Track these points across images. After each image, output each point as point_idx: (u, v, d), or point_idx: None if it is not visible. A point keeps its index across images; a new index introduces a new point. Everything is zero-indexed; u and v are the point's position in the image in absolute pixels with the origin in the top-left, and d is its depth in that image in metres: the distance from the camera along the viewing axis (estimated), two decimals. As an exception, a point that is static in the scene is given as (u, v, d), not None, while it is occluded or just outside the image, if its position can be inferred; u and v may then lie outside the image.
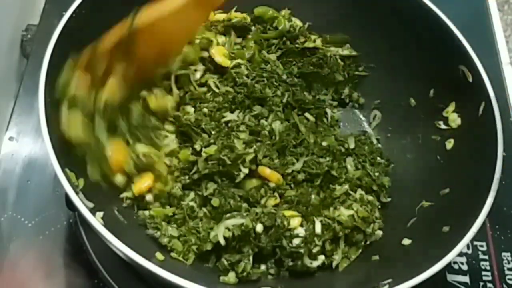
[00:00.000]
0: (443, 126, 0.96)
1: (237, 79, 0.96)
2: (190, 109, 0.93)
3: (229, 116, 0.91)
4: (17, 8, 1.13)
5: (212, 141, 0.88)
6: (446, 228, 0.82)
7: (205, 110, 0.92)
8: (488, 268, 0.97)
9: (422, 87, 0.99)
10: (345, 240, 0.88)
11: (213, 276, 0.83)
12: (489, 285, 0.95)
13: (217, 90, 0.95)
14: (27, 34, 1.13)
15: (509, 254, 0.99)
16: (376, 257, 0.87)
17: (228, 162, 0.86)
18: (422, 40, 0.98)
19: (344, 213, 0.87)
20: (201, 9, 0.83)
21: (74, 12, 0.86)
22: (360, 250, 0.89)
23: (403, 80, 1.03)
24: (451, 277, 0.95)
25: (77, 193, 0.72)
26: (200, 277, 0.81)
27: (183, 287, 0.67)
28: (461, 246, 0.74)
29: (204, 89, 0.96)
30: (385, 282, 0.76)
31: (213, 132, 0.89)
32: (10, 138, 1.00)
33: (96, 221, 0.70)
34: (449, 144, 0.94)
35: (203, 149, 0.87)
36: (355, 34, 1.06)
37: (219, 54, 0.98)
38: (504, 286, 0.95)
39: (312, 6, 1.08)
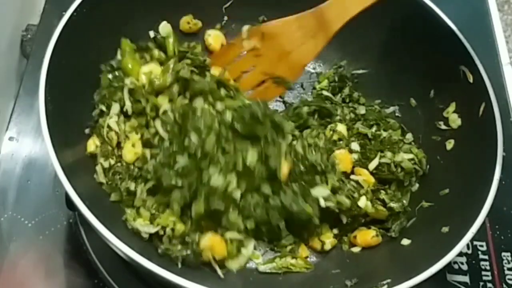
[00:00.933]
0: (443, 127, 0.96)
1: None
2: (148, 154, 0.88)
3: (180, 161, 0.82)
4: (17, 8, 1.13)
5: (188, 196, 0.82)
6: (445, 229, 0.82)
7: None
8: (488, 268, 0.97)
9: (423, 88, 0.99)
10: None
11: (211, 274, 0.83)
12: (489, 285, 0.95)
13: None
14: (27, 34, 1.13)
15: (509, 254, 0.99)
16: (376, 257, 0.87)
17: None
18: (423, 40, 0.98)
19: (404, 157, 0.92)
20: (318, 33, 0.92)
21: (74, 12, 0.86)
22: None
23: (404, 80, 1.03)
24: (451, 277, 0.95)
25: (77, 192, 0.72)
26: (200, 276, 0.81)
27: (182, 286, 0.67)
28: (460, 247, 0.74)
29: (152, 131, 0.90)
30: (384, 282, 0.76)
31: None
32: (10, 138, 1.00)
33: (96, 221, 0.70)
34: (449, 144, 0.94)
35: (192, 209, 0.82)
36: (356, 34, 1.06)
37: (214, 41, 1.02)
38: (504, 286, 0.95)
39: (313, 6, 1.08)
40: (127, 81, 0.90)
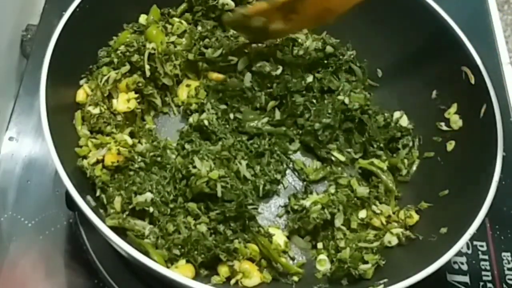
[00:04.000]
0: (444, 128, 0.95)
1: None
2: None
3: None
4: (17, 8, 1.13)
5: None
6: (444, 230, 0.82)
7: None
8: (488, 268, 0.97)
9: (425, 88, 0.99)
10: None
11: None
12: (489, 285, 0.95)
13: None
14: (27, 34, 1.13)
15: (509, 254, 0.99)
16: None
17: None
18: (425, 41, 0.98)
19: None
20: None
21: (74, 12, 0.86)
22: None
23: (406, 80, 1.03)
24: (451, 277, 0.95)
25: (79, 193, 0.72)
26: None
27: (185, 285, 0.67)
28: (457, 248, 0.74)
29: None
30: (381, 282, 0.76)
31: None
32: (10, 138, 1.00)
33: (98, 219, 0.70)
34: (450, 145, 0.94)
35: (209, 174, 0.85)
36: (358, 35, 1.06)
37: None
38: (504, 286, 0.95)
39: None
40: (149, 45, 0.94)
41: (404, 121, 0.99)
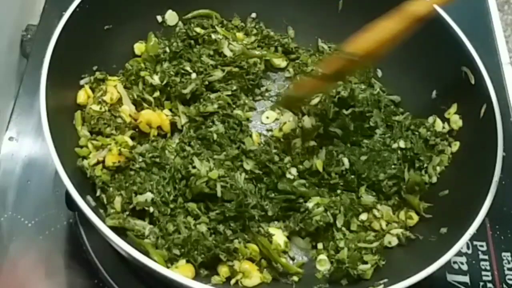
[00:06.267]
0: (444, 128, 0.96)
1: None
2: None
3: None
4: (17, 8, 1.13)
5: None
6: (444, 230, 0.82)
7: None
8: (488, 268, 0.97)
9: (425, 88, 0.99)
10: None
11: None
12: (489, 285, 0.95)
13: None
14: (27, 34, 1.13)
15: (509, 254, 0.99)
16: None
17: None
18: (425, 41, 0.98)
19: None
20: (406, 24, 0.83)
21: (74, 12, 0.86)
22: None
23: (406, 80, 1.03)
24: (451, 277, 0.95)
25: (79, 193, 0.72)
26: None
27: (185, 285, 0.67)
28: (457, 248, 0.74)
29: None
30: (381, 282, 0.76)
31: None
32: (10, 138, 1.00)
33: (98, 219, 0.70)
34: (455, 146, 0.93)
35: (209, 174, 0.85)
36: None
37: None
38: (504, 286, 0.95)
39: (315, 11, 1.08)
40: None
41: (439, 126, 0.96)
